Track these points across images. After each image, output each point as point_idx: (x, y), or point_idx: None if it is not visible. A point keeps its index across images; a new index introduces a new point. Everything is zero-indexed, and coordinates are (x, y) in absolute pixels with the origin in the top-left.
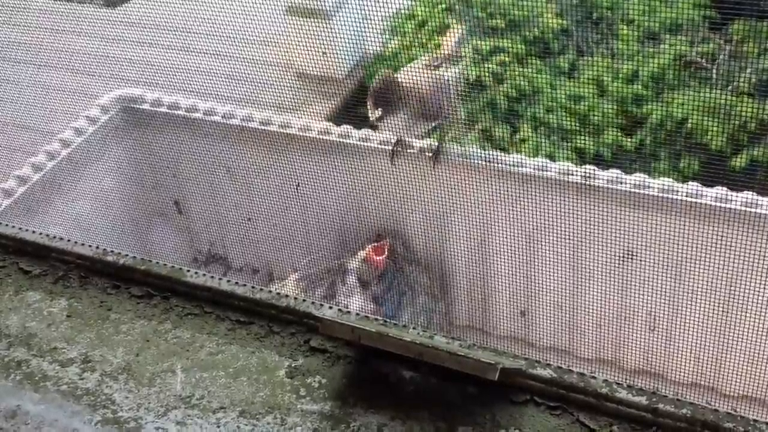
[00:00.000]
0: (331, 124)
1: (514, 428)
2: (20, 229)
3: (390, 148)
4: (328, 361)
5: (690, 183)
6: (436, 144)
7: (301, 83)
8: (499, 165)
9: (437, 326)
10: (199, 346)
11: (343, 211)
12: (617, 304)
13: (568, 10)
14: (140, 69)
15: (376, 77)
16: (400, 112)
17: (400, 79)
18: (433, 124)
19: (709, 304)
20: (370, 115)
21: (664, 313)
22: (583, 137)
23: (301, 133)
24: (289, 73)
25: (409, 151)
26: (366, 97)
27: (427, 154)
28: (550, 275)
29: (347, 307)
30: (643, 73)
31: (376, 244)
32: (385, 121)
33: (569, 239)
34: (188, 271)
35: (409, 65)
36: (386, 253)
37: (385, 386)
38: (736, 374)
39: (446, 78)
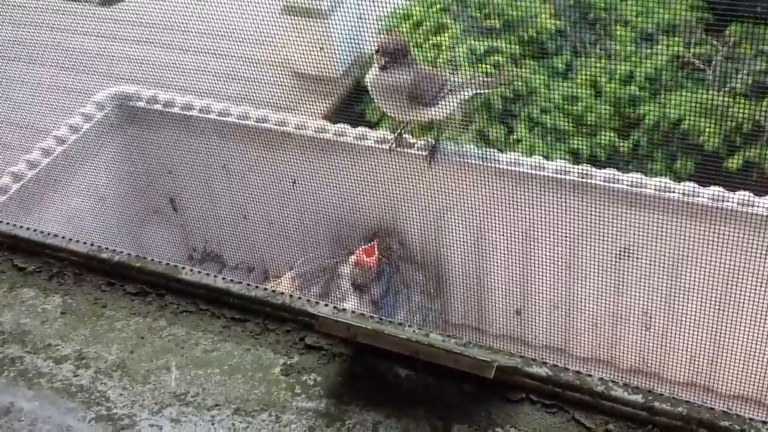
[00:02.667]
0: (327, 122)
1: (510, 426)
2: (15, 225)
3: (392, 137)
4: (324, 359)
5: (686, 183)
6: (432, 142)
7: (297, 82)
8: (495, 164)
9: (433, 325)
10: (194, 344)
11: (339, 209)
12: (613, 303)
13: (564, 11)
14: (135, 67)
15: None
16: (403, 70)
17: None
18: (428, 115)
19: (705, 304)
20: (375, 62)
21: (659, 312)
22: (578, 138)
23: (297, 131)
24: (285, 72)
25: (405, 149)
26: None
27: (422, 153)
28: (545, 274)
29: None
30: (639, 74)
31: (366, 245)
32: (389, 71)
33: (565, 238)
34: (183, 268)
35: None
36: (377, 253)
37: (380, 384)
38: (732, 374)
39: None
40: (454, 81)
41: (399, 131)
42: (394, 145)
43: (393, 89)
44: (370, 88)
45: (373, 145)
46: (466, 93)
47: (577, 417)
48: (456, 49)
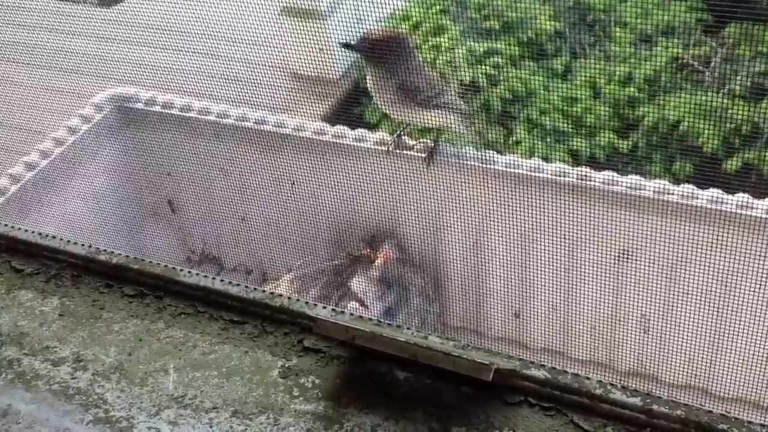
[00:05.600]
0: (325, 124)
1: (508, 429)
2: (12, 227)
3: (391, 139)
4: (322, 361)
5: (684, 185)
6: (431, 144)
7: (295, 84)
8: (494, 166)
9: (431, 327)
10: (192, 346)
11: (338, 211)
12: (611, 305)
13: (563, 13)
14: (134, 69)
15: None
16: (395, 62)
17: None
18: (420, 115)
19: (703, 306)
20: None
21: (657, 315)
22: (577, 139)
23: (295, 133)
24: (283, 74)
25: (404, 151)
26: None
27: (421, 155)
28: (544, 276)
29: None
30: (638, 76)
31: (386, 248)
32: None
33: (563, 240)
34: (181, 270)
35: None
36: (395, 252)
37: (379, 386)
38: (730, 376)
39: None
40: (454, 97)
41: (398, 133)
42: (392, 146)
43: (382, 80)
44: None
45: (372, 147)
46: (459, 109)
47: (575, 420)
48: (455, 51)
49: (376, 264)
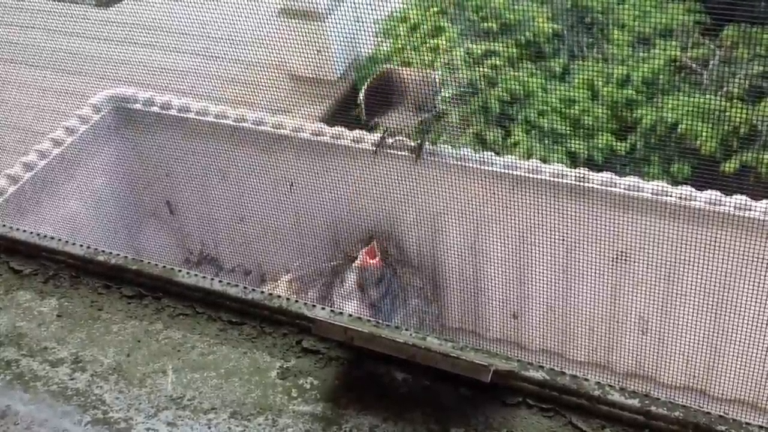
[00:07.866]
0: (323, 125)
1: (507, 430)
2: (11, 228)
3: (376, 140)
4: (321, 362)
5: (682, 186)
6: (419, 139)
7: (294, 85)
8: (492, 167)
9: (430, 328)
10: (190, 347)
11: (336, 212)
12: (609, 306)
13: (561, 14)
14: (132, 70)
15: (372, 76)
16: (395, 110)
17: (396, 75)
18: (420, 118)
19: (701, 307)
20: (363, 116)
21: (655, 316)
22: (575, 141)
23: (293, 134)
24: (282, 75)
25: (399, 151)
26: (358, 98)
27: (410, 145)
28: (542, 278)
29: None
30: (636, 77)
31: (366, 248)
32: (379, 120)
33: (561, 242)
34: (180, 271)
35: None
36: (378, 254)
37: (377, 387)
38: (728, 377)
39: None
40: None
41: (382, 135)
42: (379, 149)
43: None
44: None
45: (369, 148)
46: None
47: (573, 421)
48: (453, 52)
49: (356, 264)
